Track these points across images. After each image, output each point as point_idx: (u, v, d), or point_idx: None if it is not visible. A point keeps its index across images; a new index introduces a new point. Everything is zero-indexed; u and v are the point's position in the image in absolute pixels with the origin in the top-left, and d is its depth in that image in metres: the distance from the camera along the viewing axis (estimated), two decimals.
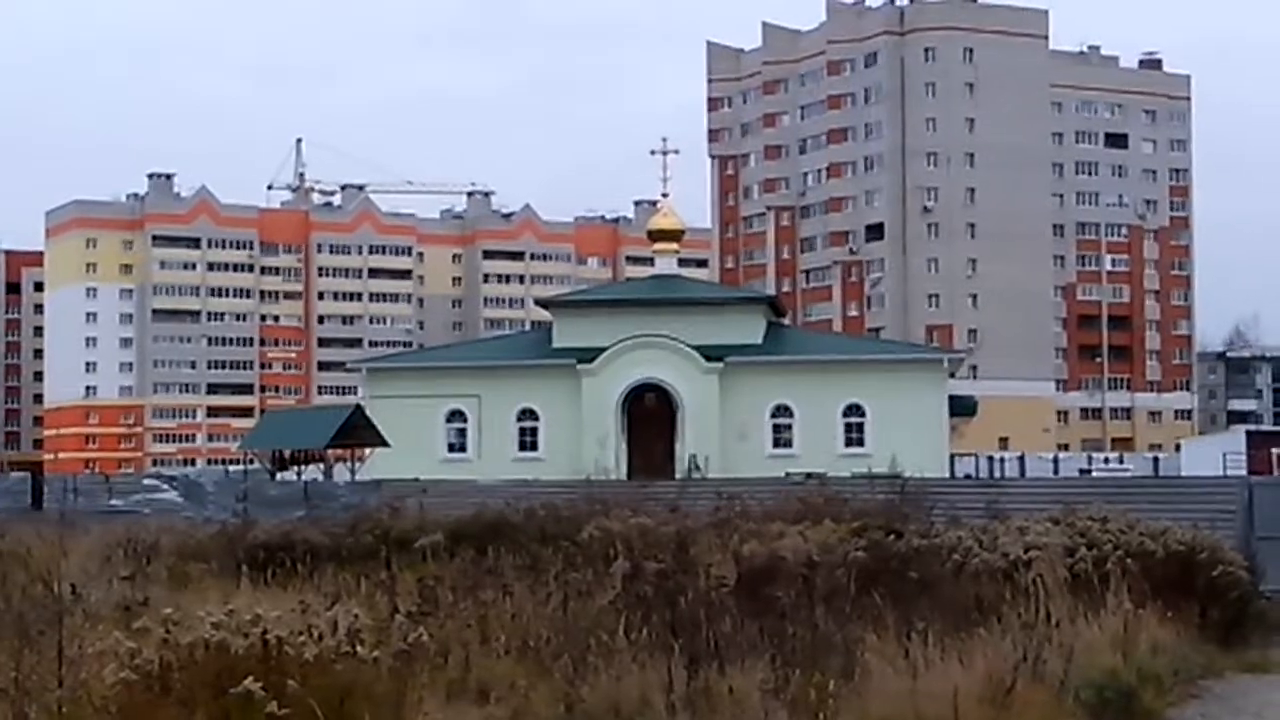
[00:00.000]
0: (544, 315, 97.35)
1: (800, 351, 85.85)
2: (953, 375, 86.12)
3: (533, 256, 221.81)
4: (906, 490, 37.24)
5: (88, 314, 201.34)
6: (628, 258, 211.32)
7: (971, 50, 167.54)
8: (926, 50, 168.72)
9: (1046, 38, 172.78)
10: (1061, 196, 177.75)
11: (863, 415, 79.70)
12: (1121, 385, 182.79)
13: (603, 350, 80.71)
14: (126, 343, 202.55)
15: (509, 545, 26.96)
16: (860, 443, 77.99)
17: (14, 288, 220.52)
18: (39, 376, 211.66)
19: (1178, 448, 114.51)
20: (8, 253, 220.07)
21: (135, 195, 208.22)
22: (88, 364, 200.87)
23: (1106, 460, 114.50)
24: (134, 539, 30.34)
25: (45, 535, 28.43)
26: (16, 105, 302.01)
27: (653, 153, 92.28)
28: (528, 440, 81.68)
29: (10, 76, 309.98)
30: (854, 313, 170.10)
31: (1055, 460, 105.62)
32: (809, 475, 51.50)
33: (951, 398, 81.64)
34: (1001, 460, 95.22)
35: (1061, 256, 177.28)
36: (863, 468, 57.82)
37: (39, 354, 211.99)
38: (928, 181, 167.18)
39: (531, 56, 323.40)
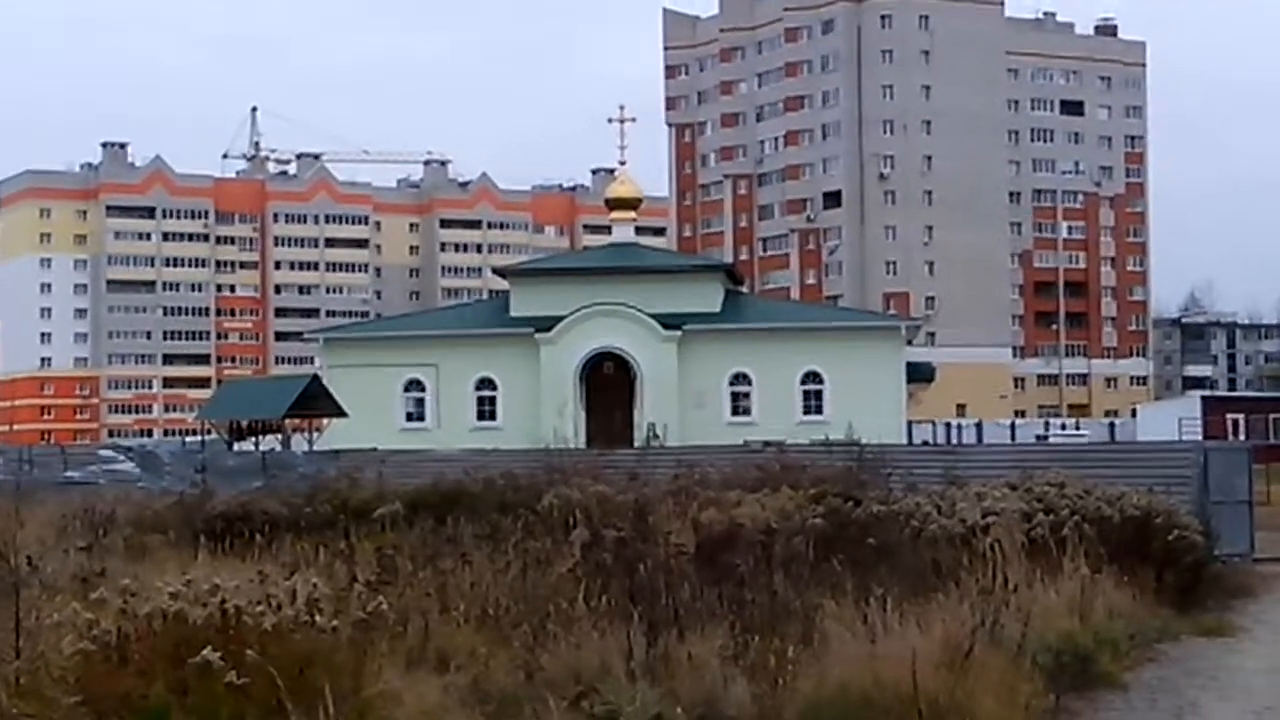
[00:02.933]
0: (501, 284, 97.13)
1: (758, 320, 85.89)
2: (910, 342, 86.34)
3: (490, 225, 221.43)
4: (865, 457, 37.36)
5: (42, 285, 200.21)
6: (585, 226, 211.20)
7: (927, 17, 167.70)
8: (883, 17, 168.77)
9: (1002, 4, 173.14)
10: (1018, 164, 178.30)
11: (821, 383, 79.84)
12: (1078, 351, 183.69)
13: (561, 319, 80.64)
14: (81, 313, 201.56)
15: (468, 514, 26.96)
16: (818, 410, 78.14)
17: None
18: None
19: (1134, 413, 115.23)
20: None
21: (89, 165, 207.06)
22: (42, 335, 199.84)
23: (1063, 426, 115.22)
24: (90, 510, 30.21)
25: (0, 507, 28.27)
26: None
27: (610, 120, 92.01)
28: (486, 409, 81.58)
29: None
30: (811, 281, 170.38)
31: (1012, 426, 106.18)
32: (767, 443, 51.56)
33: (909, 365, 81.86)
34: (959, 427, 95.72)
35: (1018, 223, 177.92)
36: (821, 435, 57.83)
37: None
38: (885, 149, 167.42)
39: (488, 24, 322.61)
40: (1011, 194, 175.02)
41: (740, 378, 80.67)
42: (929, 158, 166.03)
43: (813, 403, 79.49)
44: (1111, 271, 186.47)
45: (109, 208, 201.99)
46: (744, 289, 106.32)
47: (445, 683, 14.38)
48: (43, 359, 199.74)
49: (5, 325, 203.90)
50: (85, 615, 13.21)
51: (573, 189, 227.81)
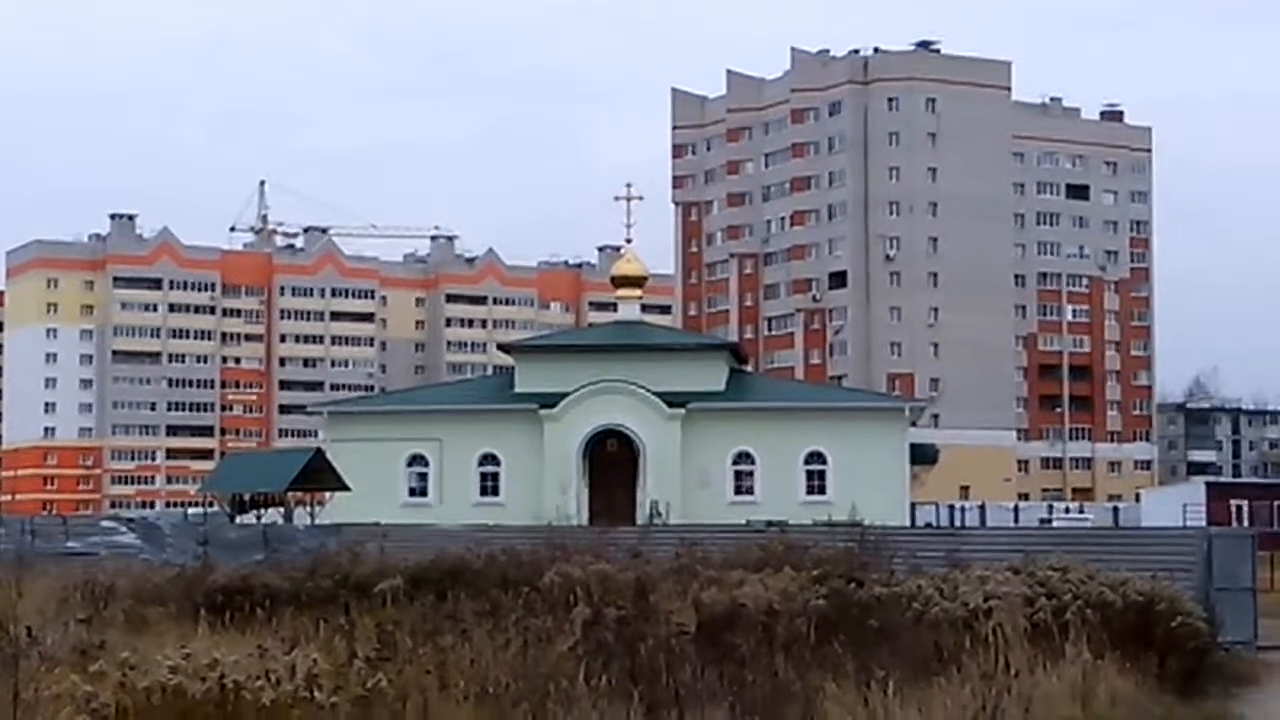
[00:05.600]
0: (506, 360, 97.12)
1: (762, 398, 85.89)
2: (914, 424, 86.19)
3: (495, 301, 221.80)
4: (867, 538, 37.21)
5: (47, 354, 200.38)
6: (591, 303, 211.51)
7: (934, 100, 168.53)
8: (890, 100, 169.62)
9: (1009, 89, 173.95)
10: (1023, 247, 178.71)
11: (824, 463, 79.71)
12: (1082, 435, 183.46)
13: (565, 395, 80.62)
14: (86, 384, 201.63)
15: (469, 590, 26.88)
16: (821, 490, 77.97)
17: None
18: None
19: (1137, 498, 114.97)
20: None
21: (97, 236, 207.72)
22: (47, 404, 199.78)
23: (1067, 510, 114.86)
24: (91, 581, 30.16)
25: (1, 577, 28.20)
26: None
27: (616, 198, 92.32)
28: (489, 485, 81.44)
29: None
30: (816, 360, 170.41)
31: (1016, 509, 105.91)
32: (770, 523, 51.44)
33: (913, 446, 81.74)
34: (962, 509, 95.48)
35: (1023, 306, 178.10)
36: (824, 515, 57.68)
37: None
38: (890, 230, 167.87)
39: (496, 103, 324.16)
40: (1016, 277, 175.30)
41: (744, 457, 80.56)
42: (935, 239, 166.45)
43: (816, 483, 79.33)
44: (1116, 356, 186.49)
45: (116, 279, 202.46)
46: (748, 368, 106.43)
47: None
48: (46, 429, 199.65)
49: (10, 394, 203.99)
50: (84, 688, 13.19)
51: (579, 266, 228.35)
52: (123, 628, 23.89)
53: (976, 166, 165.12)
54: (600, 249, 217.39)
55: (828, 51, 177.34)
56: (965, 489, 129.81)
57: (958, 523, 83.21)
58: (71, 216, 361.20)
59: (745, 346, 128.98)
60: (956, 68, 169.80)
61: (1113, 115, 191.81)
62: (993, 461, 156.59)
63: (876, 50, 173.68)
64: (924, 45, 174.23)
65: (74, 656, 17.91)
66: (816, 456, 79.83)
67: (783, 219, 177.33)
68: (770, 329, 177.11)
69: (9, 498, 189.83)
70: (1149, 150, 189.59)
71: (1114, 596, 23.39)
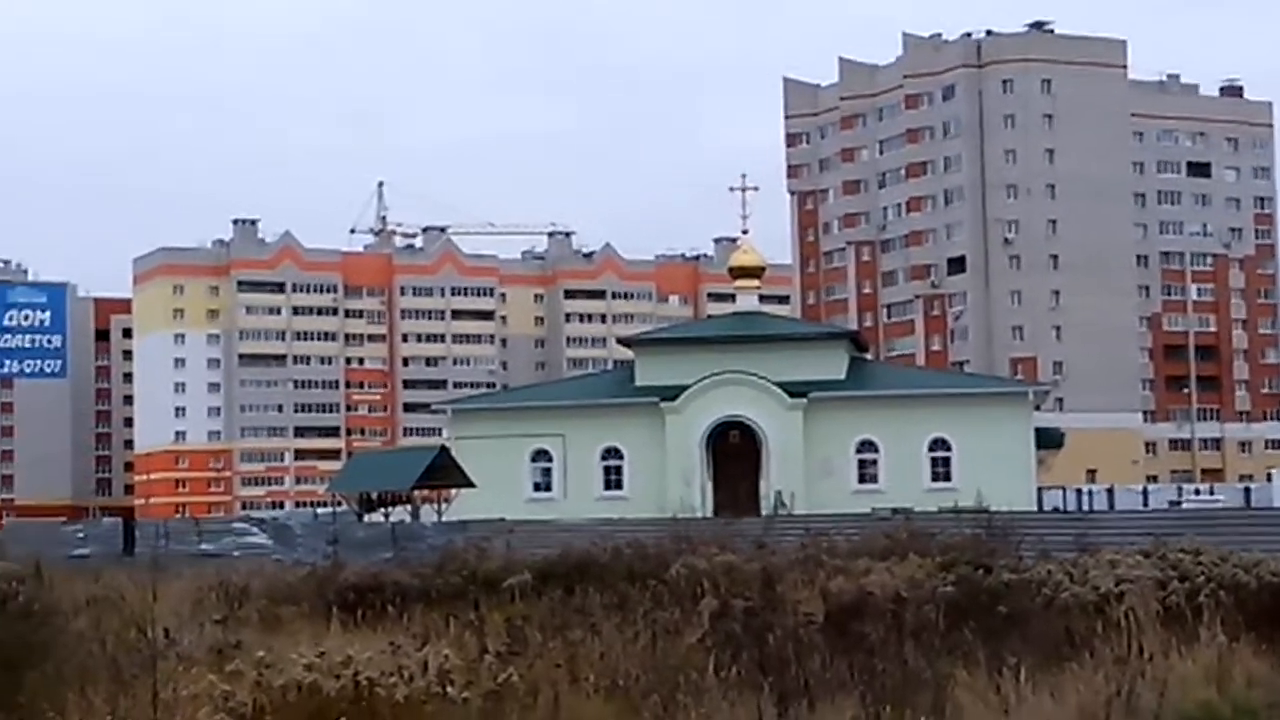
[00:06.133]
0: (626, 354, 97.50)
1: (884, 386, 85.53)
2: (1038, 408, 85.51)
3: (614, 295, 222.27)
4: (994, 525, 36.99)
5: (176, 360, 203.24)
6: (709, 295, 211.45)
7: (1050, 81, 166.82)
8: (1004, 82, 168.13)
9: (1125, 67, 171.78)
10: (1145, 226, 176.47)
11: (948, 450, 79.26)
12: (1210, 415, 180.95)
13: (686, 388, 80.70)
14: (214, 388, 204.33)
15: (596, 584, 26.98)
16: (946, 477, 77.55)
17: (103, 334, 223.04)
18: (129, 422, 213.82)
19: (1269, 478, 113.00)
20: (97, 300, 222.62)
21: (221, 241, 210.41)
22: (176, 409, 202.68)
23: (1197, 491, 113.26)
24: (225, 582, 30.61)
25: (138, 580, 28.68)
26: (105, 155, 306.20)
27: (732, 189, 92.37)
28: (613, 479, 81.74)
29: (99, 128, 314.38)
30: (937, 347, 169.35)
31: (1144, 492, 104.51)
32: (895, 511, 51.31)
33: (1038, 430, 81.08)
34: (1089, 493, 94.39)
35: (1146, 287, 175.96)
36: (949, 502, 57.52)
37: (129, 400, 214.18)
38: (1008, 214, 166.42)
39: (610, 95, 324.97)
40: (1139, 257, 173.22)
41: (866, 445, 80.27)
42: (1054, 222, 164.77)
43: (940, 470, 78.90)
44: (1243, 334, 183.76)
45: (240, 283, 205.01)
46: (869, 356, 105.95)
47: None
48: (177, 433, 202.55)
49: (141, 400, 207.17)
50: (221, 687, 13.38)
51: (696, 258, 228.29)
52: (257, 627, 24.23)
53: (1094, 147, 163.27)
54: (717, 240, 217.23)
55: (940, 35, 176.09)
56: (1092, 473, 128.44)
57: (1085, 507, 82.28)
58: (195, 223, 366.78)
59: (865, 334, 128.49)
60: (1071, 47, 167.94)
61: (1232, 91, 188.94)
62: (1119, 444, 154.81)
63: (989, 33, 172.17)
64: (1037, 26, 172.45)
65: (210, 656, 18.21)
66: (941, 443, 79.39)
67: (899, 205, 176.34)
68: (889, 316, 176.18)
69: (142, 501, 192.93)
70: (1270, 125, 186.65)
71: (1248, 578, 23.05)
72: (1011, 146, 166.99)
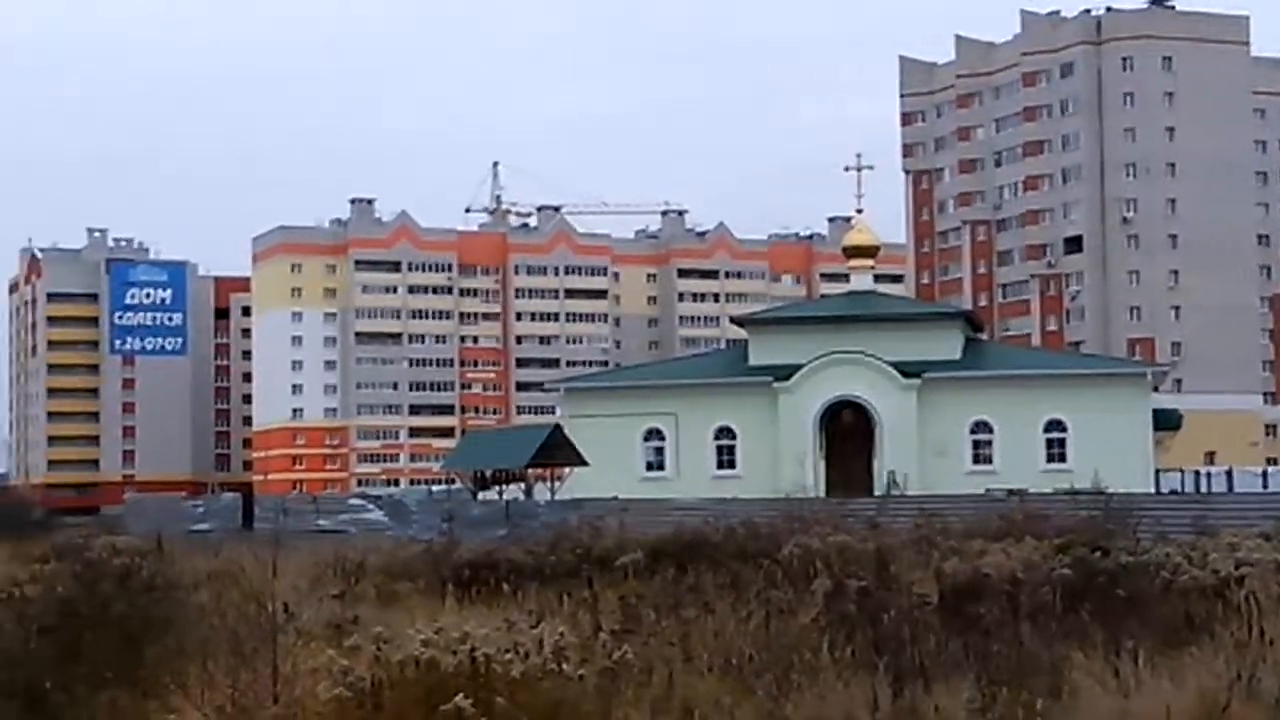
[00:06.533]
0: (739, 333, 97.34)
1: (999, 367, 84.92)
2: (1156, 389, 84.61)
3: (727, 275, 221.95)
4: (1111, 506, 36.66)
5: (293, 338, 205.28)
6: (822, 274, 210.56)
7: (1170, 58, 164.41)
8: (1124, 60, 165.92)
9: (1247, 44, 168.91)
10: (1266, 205, 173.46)
11: (1064, 431, 78.57)
12: None
13: (799, 368, 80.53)
14: (331, 365, 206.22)
15: (709, 563, 27.03)
16: (1062, 458, 76.89)
17: (222, 313, 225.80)
18: (248, 399, 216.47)
19: None
20: (216, 279, 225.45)
21: (338, 221, 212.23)
22: (294, 387, 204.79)
23: None
24: (342, 558, 30.92)
25: (257, 554, 29.04)
26: (224, 135, 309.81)
27: (847, 169, 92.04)
28: (725, 458, 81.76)
29: (217, 107, 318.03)
30: (1053, 327, 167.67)
31: (1264, 475, 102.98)
32: (1011, 492, 50.97)
33: (1155, 412, 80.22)
34: (1208, 475, 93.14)
35: (1267, 267, 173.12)
36: (1064, 484, 57.02)
37: (247, 377, 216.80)
38: (1127, 193, 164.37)
39: (724, 73, 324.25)
40: (1260, 236, 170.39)
41: (981, 426, 79.74)
42: (1173, 201, 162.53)
43: (1056, 451, 78.24)
44: None
45: (357, 262, 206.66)
46: (984, 336, 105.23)
47: None
48: (294, 410, 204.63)
49: (259, 377, 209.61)
50: (340, 662, 13.52)
51: (809, 237, 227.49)
52: (373, 603, 24.47)
53: (1215, 125, 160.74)
54: (830, 220, 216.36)
55: (1058, 12, 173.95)
56: (1210, 455, 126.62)
57: (1204, 489, 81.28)
58: (313, 202, 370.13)
59: (980, 314, 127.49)
60: (1192, 24, 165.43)
61: None
62: (1239, 426, 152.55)
63: (1108, 9, 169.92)
64: (1157, 2, 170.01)
65: (329, 631, 18.43)
66: (1056, 424, 78.72)
67: (1016, 184, 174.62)
68: (1005, 296, 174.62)
69: (260, 477, 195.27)
70: None
71: None
72: (1130, 125, 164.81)
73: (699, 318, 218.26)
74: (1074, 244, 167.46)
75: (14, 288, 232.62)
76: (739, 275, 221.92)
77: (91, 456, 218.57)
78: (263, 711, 13.97)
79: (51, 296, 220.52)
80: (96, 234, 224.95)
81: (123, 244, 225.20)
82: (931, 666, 16.07)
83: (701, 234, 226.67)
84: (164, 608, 21.18)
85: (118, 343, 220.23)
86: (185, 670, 16.61)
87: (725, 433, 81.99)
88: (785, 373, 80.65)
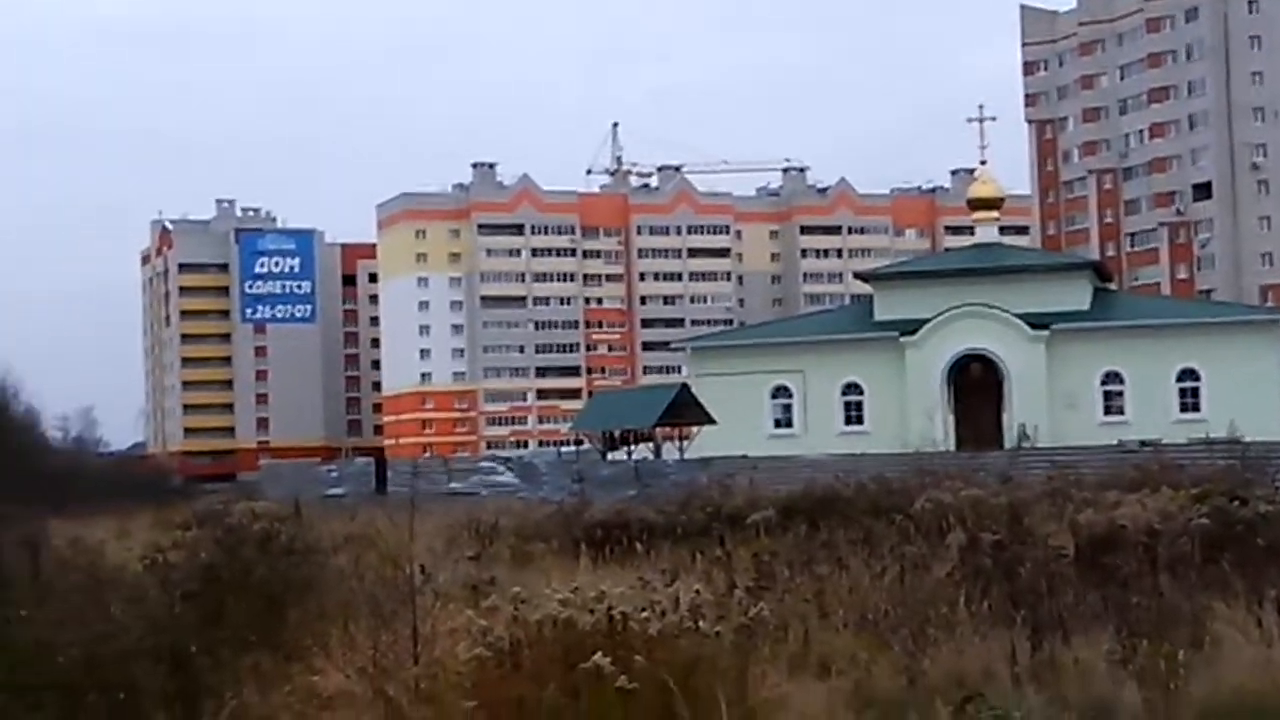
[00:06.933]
0: (864, 289, 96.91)
1: (1129, 317, 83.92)
2: None
3: (849, 230, 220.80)
4: (1248, 455, 36.19)
5: (420, 303, 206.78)
6: (946, 228, 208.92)
7: None
8: (1250, 2, 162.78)
9: None
10: None
11: (1197, 380, 77.59)
12: None
13: (925, 322, 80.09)
14: (457, 329, 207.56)
15: (840, 519, 27.01)
16: (1195, 408, 75.96)
17: (350, 279, 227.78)
18: (376, 365, 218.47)
19: None
20: (343, 246, 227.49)
21: (460, 185, 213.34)
22: (422, 351, 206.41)
23: None
24: (475, 520, 31.21)
25: (392, 518, 29.36)
26: (347, 102, 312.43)
27: (969, 120, 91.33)
28: (853, 414, 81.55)
29: (339, 74, 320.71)
30: (1183, 275, 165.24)
31: None
32: (1144, 443, 50.44)
33: None
34: None
35: None
36: (1198, 434, 56.36)
37: (375, 343, 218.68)
38: (1256, 137, 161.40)
39: (841, 28, 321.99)
40: None
41: (1112, 377, 78.91)
42: None
43: (1189, 400, 77.29)
44: None
45: (480, 226, 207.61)
46: (1112, 286, 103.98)
47: (828, 688, 14.44)
48: (423, 374, 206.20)
49: (388, 342, 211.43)
50: (479, 622, 13.66)
51: (932, 190, 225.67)
52: (508, 563, 24.71)
53: None
54: (953, 172, 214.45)
55: None
56: None
57: None
58: (436, 167, 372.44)
59: (1107, 264, 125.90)
60: None
61: None
62: None
63: None
64: None
65: (466, 592, 18.59)
66: (1189, 373, 77.74)
67: (1141, 132, 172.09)
68: (1133, 245, 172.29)
69: (391, 442, 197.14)
70: None
71: None
72: (1258, 68, 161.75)
73: (822, 274, 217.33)
74: (1203, 190, 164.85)
75: (146, 259, 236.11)
76: (862, 230, 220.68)
77: (226, 424, 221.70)
78: (404, 672, 14.15)
79: (183, 267, 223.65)
80: (225, 204, 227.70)
81: (251, 214, 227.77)
82: (1070, 619, 15.99)
83: (823, 190, 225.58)
84: (304, 571, 21.50)
85: (248, 311, 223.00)
86: (326, 632, 16.87)
87: (852, 388, 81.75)
88: (911, 327, 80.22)
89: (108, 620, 21.25)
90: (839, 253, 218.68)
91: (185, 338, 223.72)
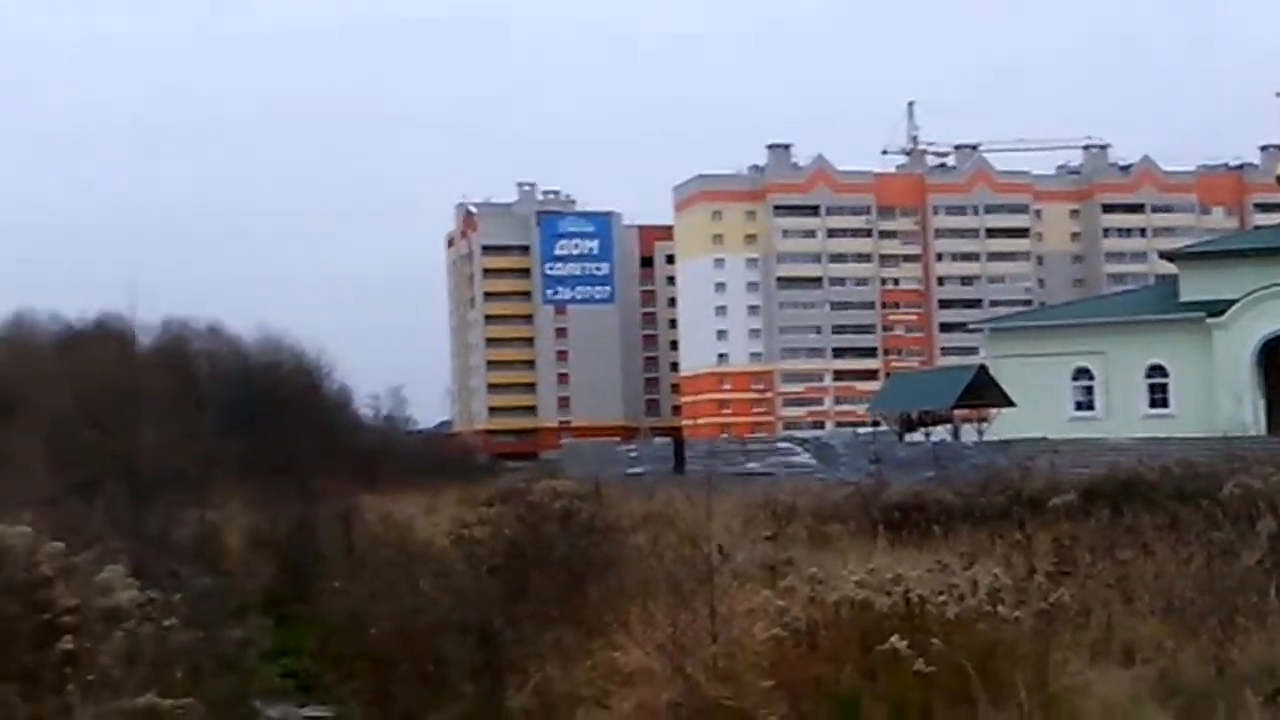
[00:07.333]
0: (1168, 268, 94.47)
1: None
2: None
3: (1153, 209, 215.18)
4: None
5: (716, 284, 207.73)
6: (1255, 205, 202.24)
7: None
8: None
9: None
10: None
11: None
12: None
13: (1233, 302, 77.76)
14: (754, 310, 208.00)
15: (1145, 504, 26.50)
16: None
17: (647, 261, 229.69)
18: (674, 345, 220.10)
19: None
20: (640, 227, 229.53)
21: (756, 167, 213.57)
22: (718, 332, 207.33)
23: None
24: (772, 500, 31.36)
25: (690, 497, 29.68)
26: (643, 86, 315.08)
27: (1278, 94, 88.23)
28: (1157, 397, 79.60)
29: (635, 60, 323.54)
30: None
31: None
32: None
33: None
34: None
35: None
36: None
37: (673, 324, 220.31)
38: None
39: (1145, 3, 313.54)
40: None
41: None
42: None
43: None
44: None
45: (776, 207, 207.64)
46: None
47: (1132, 676, 14.19)
48: (720, 355, 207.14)
49: (685, 323, 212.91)
50: (776, 602, 13.77)
51: (1239, 167, 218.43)
52: (805, 544, 24.78)
53: None
54: (1263, 148, 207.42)
55: None
56: None
57: None
58: (731, 149, 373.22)
59: None
60: None
61: None
62: None
63: None
64: None
65: (763, 572, 18.74)
66: None
67: None
68: None
69: (689, 422, 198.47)
70: None
71: None
72: None
73: (1125, 254, 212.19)
74: None
75: (451, 242, 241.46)
76: (1166, 209, 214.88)
77: (529, 403, 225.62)
78: (702, 650, 14.33)
79: (486, 249, 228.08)
80: (526, 188, 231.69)
81: (551, 197, 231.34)
82: None
83: (1125, 168, 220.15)
84: (604, 549, 21.89)
85: (549, 293, 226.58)
86: (626, 610, 17.16)
87: (1157, 370, 79.79)
88: (1219, 308, 77.95)
89: (417, 594, 21.96)
90: (1142, 232, 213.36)
91: (489, 318, 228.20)
